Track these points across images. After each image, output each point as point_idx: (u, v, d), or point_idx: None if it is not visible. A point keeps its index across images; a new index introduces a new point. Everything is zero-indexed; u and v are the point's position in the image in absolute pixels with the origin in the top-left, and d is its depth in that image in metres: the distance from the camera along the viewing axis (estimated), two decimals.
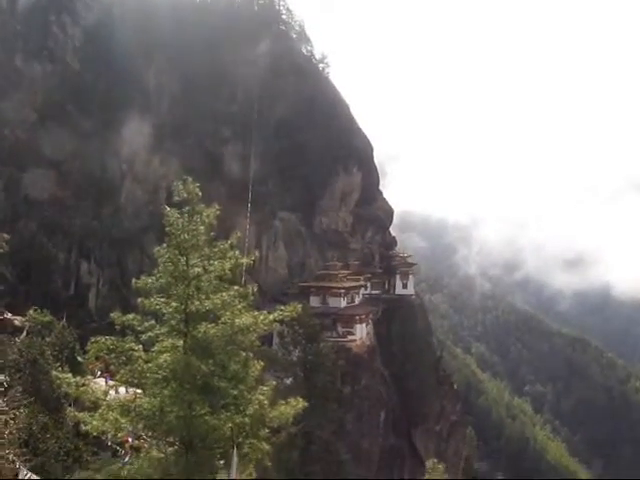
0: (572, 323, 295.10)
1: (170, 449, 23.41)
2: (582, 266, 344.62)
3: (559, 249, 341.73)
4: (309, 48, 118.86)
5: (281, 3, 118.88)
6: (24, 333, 50.14)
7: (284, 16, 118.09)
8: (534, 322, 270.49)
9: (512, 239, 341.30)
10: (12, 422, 17.84)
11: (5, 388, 17.73)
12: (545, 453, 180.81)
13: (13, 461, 18.45)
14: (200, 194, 24.14)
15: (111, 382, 30.88)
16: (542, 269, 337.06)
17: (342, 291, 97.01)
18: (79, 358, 48.83)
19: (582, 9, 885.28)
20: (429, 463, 63.04)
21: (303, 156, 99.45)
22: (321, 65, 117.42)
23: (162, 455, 23.14)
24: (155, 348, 22.99)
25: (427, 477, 60.17)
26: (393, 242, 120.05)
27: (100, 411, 22.65)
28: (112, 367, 26.17)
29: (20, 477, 19.92)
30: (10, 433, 17.57)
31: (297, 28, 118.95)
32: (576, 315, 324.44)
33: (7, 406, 17.87)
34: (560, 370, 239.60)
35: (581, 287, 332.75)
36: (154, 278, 23.77)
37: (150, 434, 23.87)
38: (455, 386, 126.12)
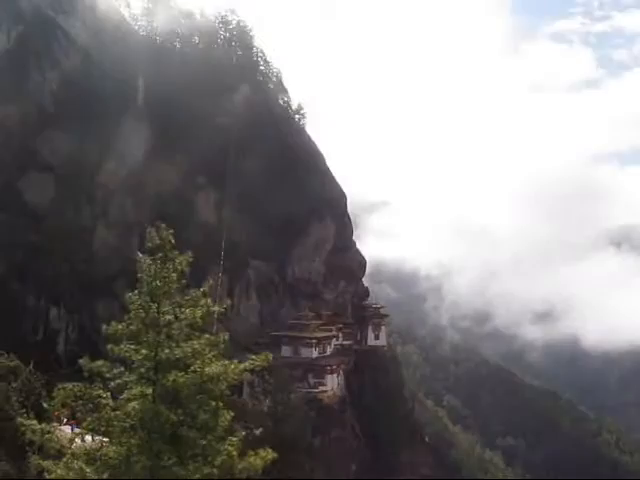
0: (543, 375, 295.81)
1: None
2: (552, 318, 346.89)
3: (529, 301, 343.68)
4: (286, 99, 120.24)
5: (259, 54, 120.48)
6: None
7: (262, 67, 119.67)
8: (505, 374, 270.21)
9: (482, 290, 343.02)
10: None
11: None
12: None
13: None
14: (173, 241, 24.10)
15: (77, 430, 30.36)
16: (512, 320, 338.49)
17: (314, 341, 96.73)
18: (45, 405, 47.97)
19: None
20: None
21: (277, 205, 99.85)
22: (297, 116, 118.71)
23: None
24: (123, 396, 22.65)
25: None
26: (366, 293, 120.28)
27: (65, 459, 22.19)
28: (79, 414, 25.75)
29: None
30: None
31: (274, 79, 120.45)
32: (546, 367, 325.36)
33: None
34: (532, 423, 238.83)
35: (551, 339, 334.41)
36: (124, 325, 23.51)
37: None
38: (426, 438, 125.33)
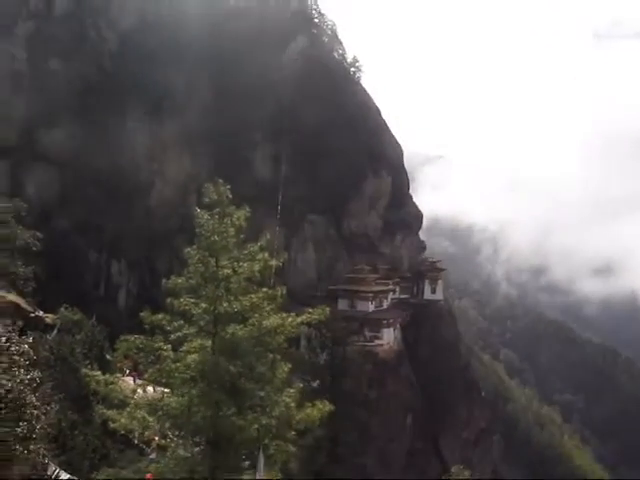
0: (601, 331, 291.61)
1: (196, 449, 23.54)
2: (610, 273, 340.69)
3: (587, 255, 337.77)
4: (341, 52, 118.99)
5: (313, 7, 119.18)
6: (55, 331, 50.66)
7: (316, 20, 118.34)
8: (563, 330, 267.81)
9: (539, 244, 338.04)
10: (43, 417, 18.05)
11: (37, 384, 17.91)
12: (574, 462, 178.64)
13: (44, 455, 18.67)
14: (230, 196, 24.28)
15: (139, 381, 31.17)
16: (569, 275, 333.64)
17: (370, 295, 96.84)
18: (108, 356, 49.31)
19: None
20: (454, 469, 62.73)
21: (333, 160, 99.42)
22: (352, 69, 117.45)
23: (188, 454, 23.28)
24: (184, 348, 23.13)
25: None
26: (422, 247, 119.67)
27: (128, 409, 22.87)
28: (140, 366, 26.41)
29: (49, 472, 20.17)
30: (41, 428, 17.77)
31: (329, 32, 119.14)
32: (604, 323, 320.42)
33: (38, 402, 18.07)
34: (590, 379, 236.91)
35: (608, 294, 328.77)
36: (184, 279, 23.95)
37: (177, 433, 23.99)
38: (483, 393, 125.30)
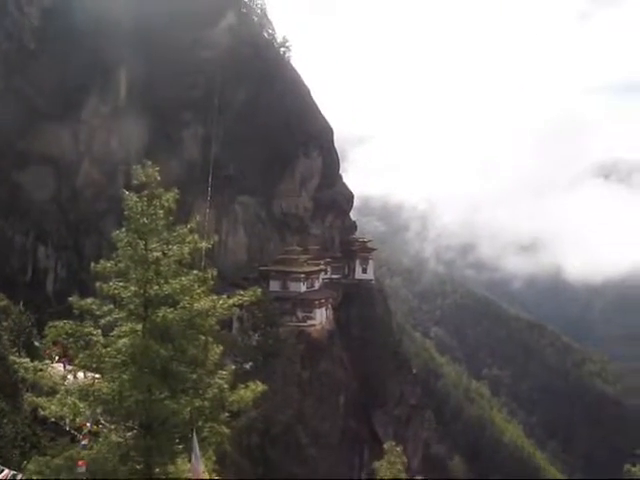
0: (527, 307, 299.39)
1: (129, 433, 23.40)
2: (535, 250, 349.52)
3: (514, 233, 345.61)
4: (270, 32, 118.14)
5: None
6: None
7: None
8: (491, 306, 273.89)
9: (467, 222, 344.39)
10: None
11: None
12: (502, 435, 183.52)
13: None
14: (159, 178, 24.04)
15: (69, 367, 30.68)
16: (496, 252, 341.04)
17: (302, 276, 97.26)
18: (36, 343, 48.37)
19: None
20: (387, 445, 63.73)
21: (263, 140, 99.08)
22: (282, 49, 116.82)
23: (121, 439, 23.12)
24: (114, 332, 22.92)
25: (385, 460, 60.79)
26: (353, 227, 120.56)
27: (58, 396, 22.54)
28: (70, 352, 26.01)
29: None
30: None
31: (258, 11, 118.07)
32: (529, 298, 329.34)
33: None
34: (517, 354, 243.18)
35: (534, 270, 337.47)
36: (113, 262, 23.66)
37: (109, 419, 23.86)
38: (414, 370, 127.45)
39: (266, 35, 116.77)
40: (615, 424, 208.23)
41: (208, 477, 23.80)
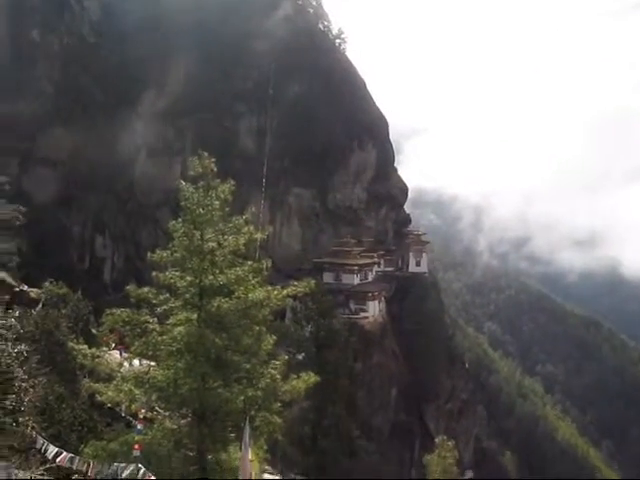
0: (581, 302, 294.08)
1: (183, 421, 23.78)
2: (591, 245, 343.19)
3: (569, 227, 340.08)
4: (326, 23, 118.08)
5: None
6: (40, 305, 50.49)
7: None
8: (546, 301, 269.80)
9: (522, 216, 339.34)
10: (31, 390, 18.19)
11: (24, 358, 18.09)
12: (555, 433, 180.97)
13: (32, 428, 18.85)
14: (215, 169, 24.28)
15: (125, 354, 31.26)
16: (550, 246, 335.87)
17: (355, 268, 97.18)
18: (94, 330, 49.26)
19: None
20: (439, 440, 63.47)
21: (318, 132, 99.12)
22: (337, 41, 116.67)
23: (175, 426, 23.52)
24: (170, 321, 23.27)
25: (436, 454, 60.59)
26: (407, 219, 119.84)
27: (115, 382, 23.04)
28: (127, 339, 26.48)
29: (37, 445, 20.33)
30: (29, 401, 17.91)
31: (314, 3, 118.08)
32: (583, 294, 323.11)
33: (26, 375, 18.22)
34: (572, 351, 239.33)
35: (589, 266, 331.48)
36: (169, 252, 24.01)
37: (163, 406, 24.20)
38: (466, 365, 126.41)
39: (321, 26, 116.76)
40: None
41: (257, 466, 24.02)
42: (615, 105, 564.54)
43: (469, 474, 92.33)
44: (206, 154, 24.16)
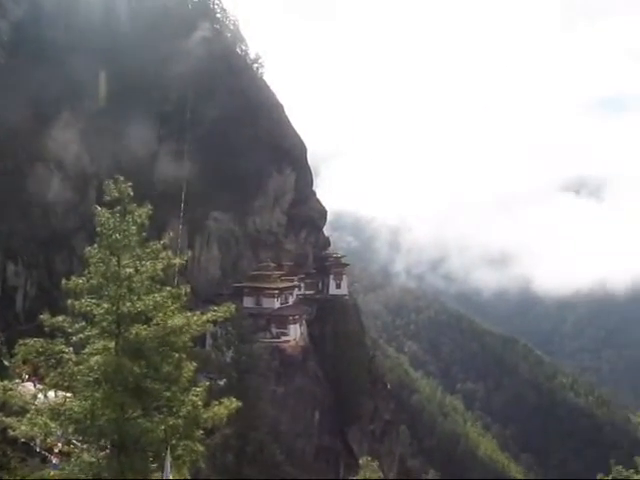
0: (496, 320, 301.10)
1: (101, 453, 23.08)
2: (505, 264, 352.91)
3: (484, 246, 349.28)
4: (244, 47, 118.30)
5: (215, 2, 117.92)
6: None
7: (218, 15, 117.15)
8: (464, 321, 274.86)
9: (437, 237, 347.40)
10: None
11: None
12: (476, 449, 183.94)
13: None
14: (132, 193, 23.87)
15: (40, 386, 30.22)
16: (465, 265, 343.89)
17: (276, 292, 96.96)
18: (6, 362, 47.67)
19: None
20: (362, 461, 63.46)
21: (237, 156, 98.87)
22: (255, 65, 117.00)
23: (93, 459, 22.78)
24: (86, 350, 22.65)
25: (361, 475, 60.51)
26: (327, 242, 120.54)
27: (28, 416, 22.19)
28: (41, 370, 25.65)
29: None
30: None
31: (231, 27, 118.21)
32: (498, 312, 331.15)
33: None
34: (490, 368, 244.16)
35: (502, 284, 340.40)
36: (85, 279, 23.40)
37: (81, 438, 23.48)
38: (388, 385, 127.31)
39: (239, 50, 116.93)
40: (587, 435, 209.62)
41: None
42: (529, 129, 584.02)
43: None
44: (122, 178, 23.73)
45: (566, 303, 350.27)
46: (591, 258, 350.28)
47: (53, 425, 21.82)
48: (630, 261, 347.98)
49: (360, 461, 64.78)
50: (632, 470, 41.28)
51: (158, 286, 23.97)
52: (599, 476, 44.01)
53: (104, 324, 22.96)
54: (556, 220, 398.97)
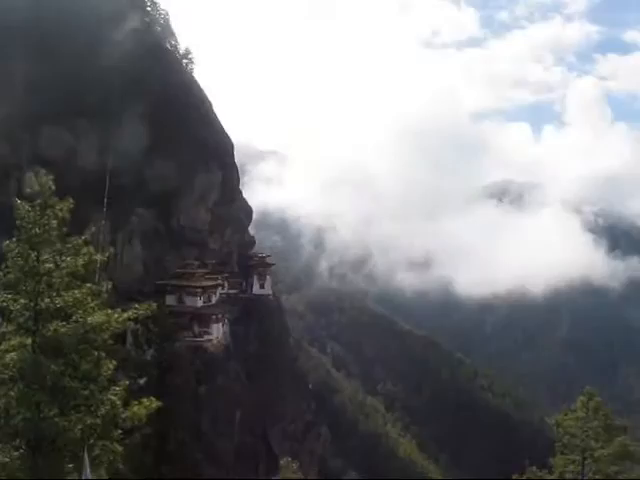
0: (421, 323, 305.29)
1: (16, 453, 22.47)
2: (426, 266, 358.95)
3: (406, 249, 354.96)
4: (173, 42, 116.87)
5: None
6: None
7: (148, 8, 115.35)
8: (386, 322, 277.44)
9: (361, 238, 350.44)
10: None
11: None
12: (397, 450, 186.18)
13: None
14: (53, 187, 23.39)
15: None
16: (387, 267, 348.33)
17: (199, 290, 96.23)
18: None
19: None
20: (283, 461, 63.67)
21: (163, 152, 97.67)
22: (185, 61, 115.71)
23: (7, 459, 22.18)
24: (1, 347, 22.11)
25: (280, 476, 60.74)
26: (251, 242, 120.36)
27: None
28: None
29: None
30: None
31: (162, 21, 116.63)
32: (423, 314, 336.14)
33: None
34: (411, 369, 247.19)
35: (425, 287, 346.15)
36: (2, 273, 22.88)
37: None
38: (310, 386, 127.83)
39: (169, 45, 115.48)
40: (504, 436, 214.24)
41: None
42: (454, 132, 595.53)
43: None
44: (44, 171, 23.22)
45: (486, 305, 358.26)
46: (511, 263, 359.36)
47: None
48: (547, 267, 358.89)
49: (281, 461, 65.03)
50: (546, 470, 42.54)
51: (78, 282, 23.57)
52: (514, 476, 45.21)
53: (21, 320, 22.45)
54: (478, 225, 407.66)
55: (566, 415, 44.07)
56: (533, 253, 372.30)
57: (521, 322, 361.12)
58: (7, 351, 21.85)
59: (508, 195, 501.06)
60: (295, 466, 61.66)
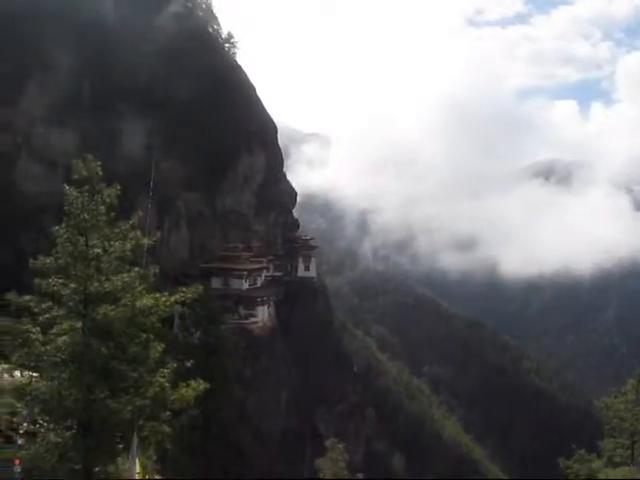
0: (463, 303, 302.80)
1: (68, 433, 22.95)
2: (472, 247, 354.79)
3: (451, 229, 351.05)
4: (215, 27, 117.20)
5: None
6: None
7: None
8: (431, 304, 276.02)
9: (405, 219, 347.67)
10: None
11: None
12: (442, 431, 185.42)
13: None
14: (101, 173, 23.66)
15: (5, 366, 29.98)
16: (432, 248, 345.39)
17: (244, 273, 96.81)
18: None
19: None
20: (329, 443, 63.94)
21: (207, 136, 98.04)
22: (227, 45, 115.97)
23: (60, 439, 22.66)
24: (53, 330, 22.47)
25: (327, 457, 61.00)
26: (296, 224, 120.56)
27: None
28: (6, 350, 25.45)
29: None
30: None
31: (203, 6, 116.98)
32: (467, 296, 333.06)
33: None
34: (457, 351, 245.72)
35: (470, 268, 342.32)
36: (52, 259, 23.19)
37: (47, 418, 23.34)
38: (355, 368, 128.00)
39: (211, 30, 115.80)
40: (550, 419, 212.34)
41: (146, 477, 23.55)
42: (499, 111, 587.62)
43: (360, 476, 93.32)
44: (91, 157, 23.50)
45: (532, 286, 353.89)
46: (557, 243, 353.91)
47: (19, 405, 21.71)
48: (595, 247, 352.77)
49: (326, 443, 65.26)
50: (594, 454, 42.06)
51: (126, 266, 23.86)
52: (562, 460, 44.79)
53: (71, 304, 22.81)
54: (523, 205, 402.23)
55: (615, 398, 43.50)
56: (580, 233, 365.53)
57: (568, 303, 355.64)
58: (58, 334, 22.22)
59: (554, 174, 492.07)
60: (341, 447, 61.74)
